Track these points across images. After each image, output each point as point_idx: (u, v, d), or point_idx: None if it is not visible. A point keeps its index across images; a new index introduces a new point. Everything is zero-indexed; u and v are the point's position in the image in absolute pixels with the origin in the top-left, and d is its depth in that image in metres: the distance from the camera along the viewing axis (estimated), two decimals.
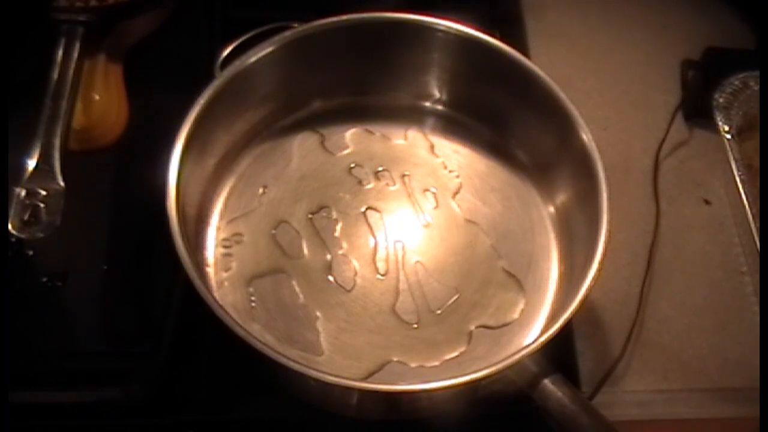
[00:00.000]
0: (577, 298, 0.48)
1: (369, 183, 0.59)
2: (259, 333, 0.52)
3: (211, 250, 0.55)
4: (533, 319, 0.55)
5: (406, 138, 0.62)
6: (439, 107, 0.63)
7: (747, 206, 0.57)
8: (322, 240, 0.56)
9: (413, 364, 0.52)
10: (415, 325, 0.54)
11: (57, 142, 0.54)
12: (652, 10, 0.75)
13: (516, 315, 0.54)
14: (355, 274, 0.55)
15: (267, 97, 0.59)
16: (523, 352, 0.46)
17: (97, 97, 0.60)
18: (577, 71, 0.70)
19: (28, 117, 0.55)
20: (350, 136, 0.61)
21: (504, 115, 0.60)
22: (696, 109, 0.68)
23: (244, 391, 0.53)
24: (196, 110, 0.52)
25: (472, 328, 0.54)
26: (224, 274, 0.55)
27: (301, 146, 0.60)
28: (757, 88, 0.63)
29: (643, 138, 0.67)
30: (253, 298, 0.54)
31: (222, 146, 0.57)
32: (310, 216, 0.57)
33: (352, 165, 0.60)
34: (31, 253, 0.54)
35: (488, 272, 0.56)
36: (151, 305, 0.54)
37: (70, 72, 0.57)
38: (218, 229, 0.56)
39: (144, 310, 0.54)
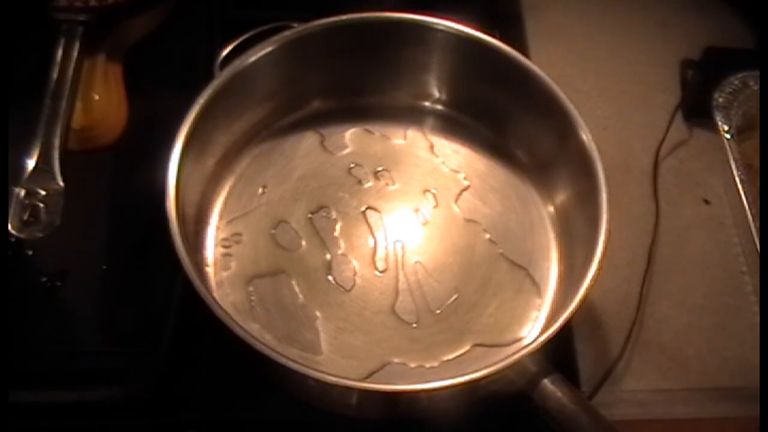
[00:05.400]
0: (576, 297, 0.48)
1: (368, 183, 0.59)
2: (259, 333, 0.52)
3: (211, 250, 0.55)
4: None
5: (405, 138, 0.62)
6: (439, 107, 0.63)
7: (747, 206, 0.57)
8: (322, 240, 0.56)
9: (413, 364, 0.52)
10: (415, 325, 0.54)
11: (56, 142, 0.54)
12: (652, 10, 0.75)
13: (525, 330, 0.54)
14: (355, 273, 0.55)
15: (267, 97, 0.59)
16: (523, 352, 0.46)
17: (96, 97, 0.60)
18: (577, 71, 0.70)
19: (28, 117, 0.55)
20: (350, 135, 0.61)
21: (504, 115, 0.60)
22: (696, 108, 0.67)
23: (244, 391, 0.53)
24: (196, 110, 0.52)
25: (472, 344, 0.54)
26: (224, 274, 0.55)
27: (301, 146, 0.60)
28: (756, 87, 0.62)
29: (643, 138, 0.67)
30: (252, 298, 0.54)
31: (221, 146, 0.57)
32: (309, 216, 0.57)
33: (352, 165, 0.60)
34: (30, 252, 0.54)
35: (488, 272, 0.56)
36: (150, 305, 0.54)
37: (70, 72, 0.57)
38: (218, 229, 0.56)
39: (144, 310, 0.54)
